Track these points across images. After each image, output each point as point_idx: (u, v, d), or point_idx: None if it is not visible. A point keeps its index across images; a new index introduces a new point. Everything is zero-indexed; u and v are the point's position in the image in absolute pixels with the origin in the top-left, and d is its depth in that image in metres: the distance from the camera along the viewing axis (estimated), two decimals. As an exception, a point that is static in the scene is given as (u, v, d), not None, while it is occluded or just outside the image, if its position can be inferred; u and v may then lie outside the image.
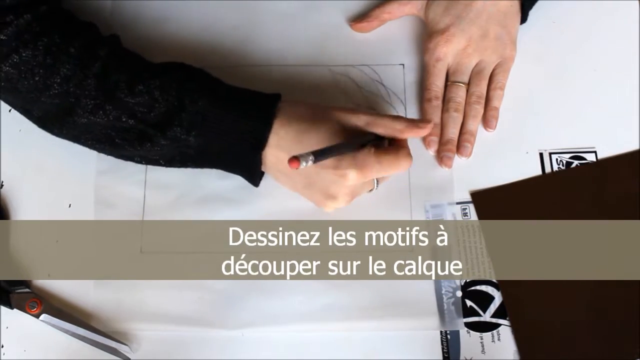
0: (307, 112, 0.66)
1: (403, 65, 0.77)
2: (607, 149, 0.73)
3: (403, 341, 0.67)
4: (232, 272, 0.69)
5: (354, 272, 0.68)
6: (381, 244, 0.69)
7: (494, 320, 0.67)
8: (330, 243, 0.69)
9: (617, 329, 0.66)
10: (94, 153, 0.73)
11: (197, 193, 0.72)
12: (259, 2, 0.80)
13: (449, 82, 0.74)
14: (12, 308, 0.68)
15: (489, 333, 0.67)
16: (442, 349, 0.66)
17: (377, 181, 0.68)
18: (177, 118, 0.65)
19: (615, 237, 0.69)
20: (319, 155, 0.59)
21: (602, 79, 0.76)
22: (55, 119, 0.67)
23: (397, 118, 0.67)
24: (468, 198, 0.72)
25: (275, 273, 0.69)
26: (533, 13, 0.76)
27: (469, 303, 0.68)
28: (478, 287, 0.68)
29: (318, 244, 0.69)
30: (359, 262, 0.69)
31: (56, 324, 0.67)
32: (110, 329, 0.67)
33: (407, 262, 0.69)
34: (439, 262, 0.69)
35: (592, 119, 0.74)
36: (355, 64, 0.77)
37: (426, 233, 0.70)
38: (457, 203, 0.71)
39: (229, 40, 0.78)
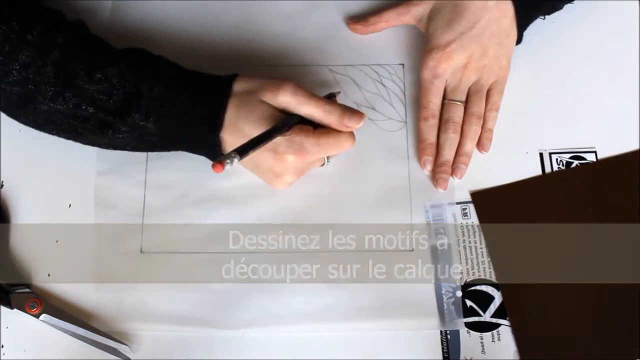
0: (247, 88, 0.67)
1: (403, 65, 0.77)
2: (607, 149, 0.73)
3: (403, 341, 0.67)
4: (232, 276, 0.69)
5: (354, 276, 0.68)
6: (381, 246, 0.69)
7: (494, 320, 0.67)
8: (330, 246, 0.69)
9: (617, 329, 0.66)
10: (94, 153, 0.73)
11: (197, 193, 0.72)
12: (259, 2, 0.80)
13: (446, 100, 0.73)
14: (12, 308, 0.68)
15: (489, 333, 0.67)
16: (442, 349, 0.66)
17: (327, 157, 0.69)
18: (135, 104, 0.66)
19: (615, 237, 0.69)
20: (243, 152, 0.60)
21: (602, 79, 0.76)
22: (18, 106, 0.68)
23: (326, 103, 0.66)
24: (468, 198, 0.72)
25: (276, 277, 0.69)
26: (533, 13, 0.76)
27: (469, 303, 0.68)
28: (478, 287, 0.68)
29: (318, 247, 0.69)
30: (359, 266, 0.69)
31: (56, 324, 0.67)
32: (110, 329, 0.67)
33: (407, 265, 0.69)
34: (439, 265, 0.69)
35: (592, 119, 0.74)
36: (355, 64, 0.77)
37: (426, 236, 0.70)
38: (457, 203, 0.71)
39: (229, 40, 0.78)
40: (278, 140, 0.64)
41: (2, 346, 0.67)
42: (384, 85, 0.76)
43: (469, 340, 0.67)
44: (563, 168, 0.72)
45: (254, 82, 0.67)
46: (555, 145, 0.73)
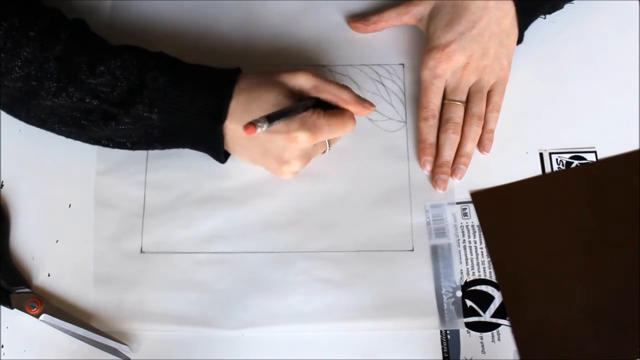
0: (257, 79, 0.67)
1: (403, 65, 0.77)
2: (607, 149, 0.73)
3: (403, 341, 0.67)
4: (231, 276, 0.69)
5: (354, 276, 0.68)
6: (381, 246, 0.69)
7: (494, 320, 0.67)
8: (330, 246, 0.69)
9: (617, 329, 0.66)
10: (94, 153, 0.73)
11: (197, 193, 0.72)
12: (259, 2, 0.80)
13: (446, 100, 0.73)
14: (12, 308, 0.68)
15: (489, 333, 0.67)
16: (442, 349, 0.66)
17: (329, 143, 0.70)
18: (139, 95, 0.66)
19: (615, 237, 0.69)
20: (272, 118, 0.61)
21: (602, 79, 0.76)
22: (21, 103, 0.67)
23: (343, 87, 0.68)
24: (468, 198, 0.72)
25: (276, 277, 0.69)
26: (533, 13, 0.76)
27: (469, 303, 0.68)
28: (478, 287, 0.68)
29: (318, 247, 0.69)
30: (359, 265, 0.69)
31: (56, 324, 0.67)
32: (110, 329, 0.67)
33: (407, 265, 0.69)
34: (439, 265, 0.69)
35: (592, 119, 0.74)
36: (355, 64, 0.77)
37: (426, 236, 0.70)
38: (457, 203, 0.71)
39: (229, 40, 0.78)
40: (289, 122, 0.65)
41: (2, 346, 0.67)
42: (383, 85, 0.76)
43: (469, 340, 0.67)
44: (563, 168, 0.72)
45: (263, 72, 0.68)
46: (555, 145, 0.73)
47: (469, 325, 0.67)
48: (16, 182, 0.73)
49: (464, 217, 0.71)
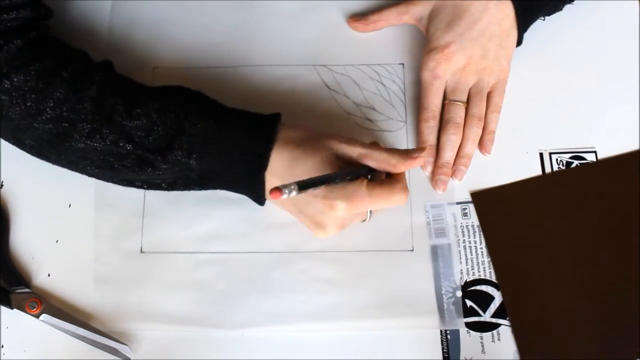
0: (302, 137, 0.65)
1: (403, 64, 0.77)
2: (607, 149, 0.73)
3: (403, 341, 0.67)
4: (231, 276, 0.69)
5: (354, 276, 0.68)
6: (381, 247, 0.69)
7: (494, 320, 0.67)
8: (330, 246, 0.69)
9: (617, 329, 0.66)
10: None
11: (197, 193, 0.72)
12: (259, 2, 0.80)
13: (446, 100, 0.73)
14: (12, 308, 0.68)
15: (489, 333, 0.67)
16: (442, 348, 0.66)
17: (371, 212, 0.67)
18: (177, 141, 0.64)
19: (615, 237, 0.69)
20: (303, 186, 0.57)
21: (602, 79, 0.76)
22: (50, 144, 0.66)
23: (392, 152, 0.65)
24: (468, 198, 0.72)
25: (276, 277, 0.69)
26: (533, 13, 0.76)
27: (469, 303, 0.68)
28: (478, 287, 0.68)
29: (318, 247, 0.69)
30: (359, 266, 0.69)
31: (56, 324, 0.67)
32: (110, 329, 0.67)
33: (407, 265, 0.69)
34: (439, 265, 0.69)
35: (592, 119, 0.74)
36: (355, 64, 0.77)
37: (426, 236, 0.70)
38: (457, 203, 0.71)
39: (229, 40, 0.78)
40: (330, 188, 0.62)
41: (2, 346, 0.67)
42: (384, 85, 0.76)
43: (469, 340, 0.67)
44: (563, 168, 0.72)
45: (306, 128, 0.66)
46: (555, 145, 0.73)
47: (469, 325, 0.67)
48: (16, 182, 0.73)
49: (464, 217, 0.71)
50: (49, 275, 0.70)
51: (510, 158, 0.73)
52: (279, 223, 0.71)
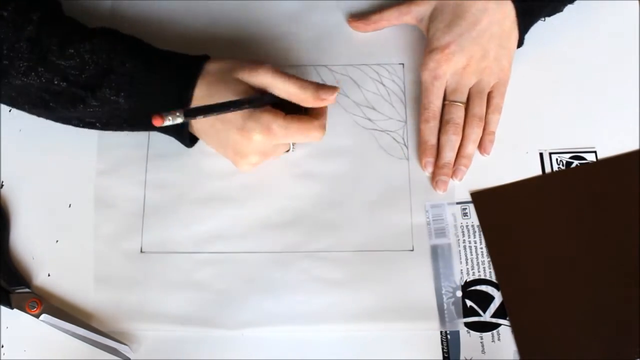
0: (224, 68, 0.67)
1: (403, 64, 0.77)
2: (607, 149, 0.73)
3: (403, 341, 0.67)
4: (231, 276, 0.69)
5: (354, 276, 0.68)
6: (381, 246, 0.69)
7: (494, 320, 0.67)
8: (330, 246, 0.69)
9: (617, 329, 0.66)
10: (94, 153, 0.73)
11: (197, 193, 0.72)
12: (259, 2, 0.80)
13: (446, 101, 0.73)
14: (12, 308, 0.68)
15: (489, 333, 0.67)
16: (442, 349, 0.66)
17: (293, 144, 0.69)
18: (106, 80, 0.66)
19: (615, 237, 0.69)
20: (190, 113, 0.61)
21: (602, 79, 0.76)
22: None
23: (304, 86, 0.66)
24: (468, 198, 0.72)
25: (276, 277, 0.69)
26: (533, 13, 0.76)
27: (469, 303, 0.68)
28: (478, 287, 0.68)
29: (318, 247, 0.69)
30: (359, 266, 0.69)
31: (56, 324, 0.67)
32: (110, 329, 0.67)
33: (407, 265, 0.69)
34: (439, 265, 0.69)
35: (592, 119, 0.74)
36: (355, 64, 0.77)
37: (426, 236, 0.70)
38: (457, 203, 0.71)
39: (229, 40, 0.78)
40: (246, 118, 0.65)
41: (2, 346, 0.67)
42: (384, 85, 0.76)
43: (469, 340, 0.67)
44: (563, 168, 0.72)
45: (229, 61, 0.68)
46: (555, 145, 0.73)
47: (469, 325, 0.67)
48: (16, 182, 0.73)
49: (464, 217, 0.71)
50: (49, 275, 0.70)
51: (510, 158, 0.73)
52: (278, 223, 0.71)
